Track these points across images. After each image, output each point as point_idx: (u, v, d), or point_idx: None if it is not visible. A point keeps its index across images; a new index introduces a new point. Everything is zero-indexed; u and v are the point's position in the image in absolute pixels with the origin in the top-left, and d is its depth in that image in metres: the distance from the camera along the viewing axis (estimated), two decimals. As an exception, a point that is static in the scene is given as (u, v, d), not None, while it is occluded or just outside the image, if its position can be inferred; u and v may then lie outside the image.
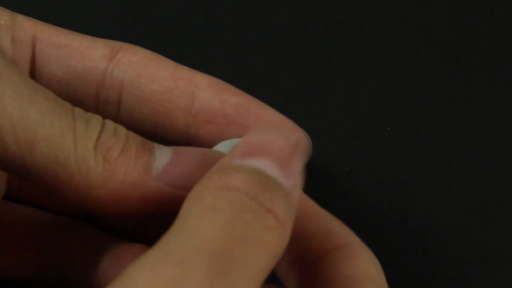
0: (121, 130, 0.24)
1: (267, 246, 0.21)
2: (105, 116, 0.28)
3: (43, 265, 0.29)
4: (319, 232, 0.26)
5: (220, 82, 0.29)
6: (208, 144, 0.29)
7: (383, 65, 0.40)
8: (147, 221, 0.30)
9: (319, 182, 0.36)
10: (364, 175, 0.36)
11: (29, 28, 0.29)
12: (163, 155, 0.24)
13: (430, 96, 0.38)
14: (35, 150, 0.23)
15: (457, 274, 0.34)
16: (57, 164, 0.23)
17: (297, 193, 0.23)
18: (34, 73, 0.29)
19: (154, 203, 0.24)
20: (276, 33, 0.41)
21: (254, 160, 0.22)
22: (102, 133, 0.24)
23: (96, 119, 0.24)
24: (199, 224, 0.21)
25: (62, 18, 0.42)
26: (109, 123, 0.24)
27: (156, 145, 0.25)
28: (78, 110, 0.24)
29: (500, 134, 0.37)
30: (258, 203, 0.21)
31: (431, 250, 0.34)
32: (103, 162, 0.23)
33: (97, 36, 0.41)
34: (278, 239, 0.21)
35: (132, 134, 0.25)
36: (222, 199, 0.21)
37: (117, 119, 0.29)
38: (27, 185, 0.30)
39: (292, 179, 0.23)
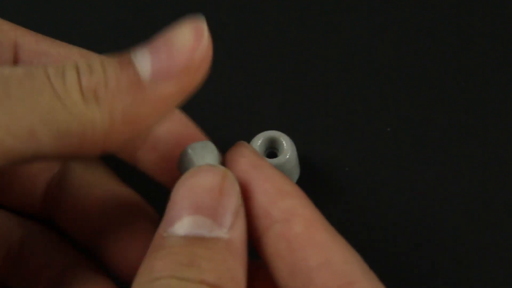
0: (94, 61, 0.24)
1: None
2: None
3: (5, 279, 0.29)
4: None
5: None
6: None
7: (383, 66, 0.40)
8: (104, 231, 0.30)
9: (319, 182, 0.36)
10: (364, 175, 0.36)
11: (9, 31, 0.29)
12: (143, 60, 0.24)
13: (430, 97, 0.38)
14: (37, 136, 0.22)
15: (457, 274, 0.34)
16: (63, 136, 0.23)
17: (239, 229, 0.24)
18: None
19: (163, 103, 0.24)
20: (276, 33, 0.41)
21: (182, 223, 0.23)
22: (81, 79, 0.23)
23: (69, 68, 0.23)
24: None
25: (62, 18, 0.42)
26: (82, 64, 0.24)
27: (132, 54, 0.24)
28: (50, 70, 0.23)
29: (500, 134, 0.37)
30: (188, 280, 0.22)
31: (431, 249, 0.34)
32: (97, 105, 0.23)
33: (99, 36, 0.41)
34: None
35: (105, 60, 0.24)
36: None
37: None
38: None
39: (226, 221, 0.23)
